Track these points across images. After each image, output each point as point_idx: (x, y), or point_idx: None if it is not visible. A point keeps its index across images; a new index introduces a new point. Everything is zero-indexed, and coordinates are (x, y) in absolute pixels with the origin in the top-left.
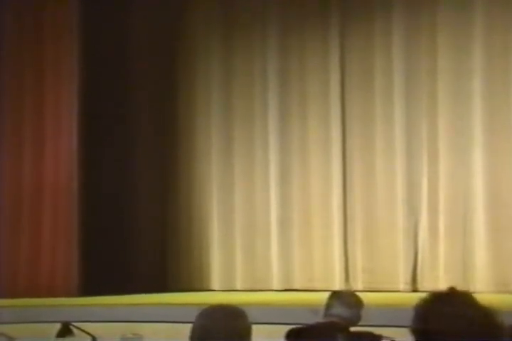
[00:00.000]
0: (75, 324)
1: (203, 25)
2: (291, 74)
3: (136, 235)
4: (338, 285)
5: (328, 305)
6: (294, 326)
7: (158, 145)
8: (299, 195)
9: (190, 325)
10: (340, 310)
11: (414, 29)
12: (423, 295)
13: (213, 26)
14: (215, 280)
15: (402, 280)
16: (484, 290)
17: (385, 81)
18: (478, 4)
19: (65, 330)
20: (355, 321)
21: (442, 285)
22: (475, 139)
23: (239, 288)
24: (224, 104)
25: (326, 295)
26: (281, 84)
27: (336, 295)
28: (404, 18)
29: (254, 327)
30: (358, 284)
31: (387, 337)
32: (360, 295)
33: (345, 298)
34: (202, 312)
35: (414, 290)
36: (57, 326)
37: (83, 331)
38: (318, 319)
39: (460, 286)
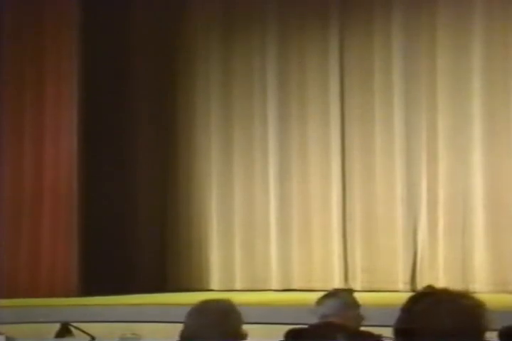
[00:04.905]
0: (74, 324)
1: (202, 25)
2: (291, 74)
3: (135, 235)
4: (337, 285)
5: (323, 306)
6: (293, 326)
7: (157, 145)
8: (299, 195)
9: None
10: (334, 310)
11: (414, 29)
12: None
13: (213, 26)
14: (215, 280)
15: (402, 280)
16: (483, 289)
17: (384, 81)
18: (478, 4)
19: (65, 330)
20: (355, 321)
21: (441, 285)
22: (474, 139)
23: (238, 288)
24: (223, 104)
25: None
26: (280, 84)
27: (329, 295)
28: (404, 18)
29: (253, 327)
30: (357, 284)
31: (387, 337)
32: (360, 295)
33: (339, 298)
34: (193, 308)
35: (414, 290)
36: (57, 326)
37: (82, 331)
38: (317, 319)
39: (459, 286)
